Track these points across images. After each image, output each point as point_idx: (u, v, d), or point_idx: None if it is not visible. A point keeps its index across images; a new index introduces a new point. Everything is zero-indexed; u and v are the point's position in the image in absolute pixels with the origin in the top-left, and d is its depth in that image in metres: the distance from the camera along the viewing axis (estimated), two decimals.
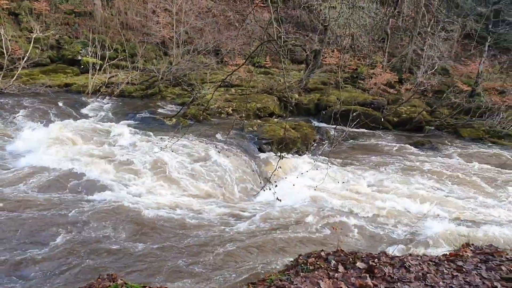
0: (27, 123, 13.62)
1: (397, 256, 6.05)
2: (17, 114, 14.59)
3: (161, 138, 10.12)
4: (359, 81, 22.23)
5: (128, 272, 6.76)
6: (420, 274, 5.53)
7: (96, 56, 19.28)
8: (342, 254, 6.01)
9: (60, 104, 16.57)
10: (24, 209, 8.43)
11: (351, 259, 5.84)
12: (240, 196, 10.82)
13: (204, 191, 10.32)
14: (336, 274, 5.45)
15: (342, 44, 20.80)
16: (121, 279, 5.00)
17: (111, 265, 6.88)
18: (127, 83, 18.92)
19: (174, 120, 15.74)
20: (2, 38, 18.02)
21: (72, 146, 11.54)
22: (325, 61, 21.77)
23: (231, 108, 17.32)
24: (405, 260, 5.91)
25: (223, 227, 8.76)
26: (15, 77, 17.40)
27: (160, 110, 17.21)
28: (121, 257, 7.19)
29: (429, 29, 22.89)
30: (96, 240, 7.66)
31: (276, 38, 6.91)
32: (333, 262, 5.76)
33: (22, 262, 6.82)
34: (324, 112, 18.58)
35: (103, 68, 19.13)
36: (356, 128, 17.02)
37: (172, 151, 9.64)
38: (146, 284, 4.85)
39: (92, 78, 18.41)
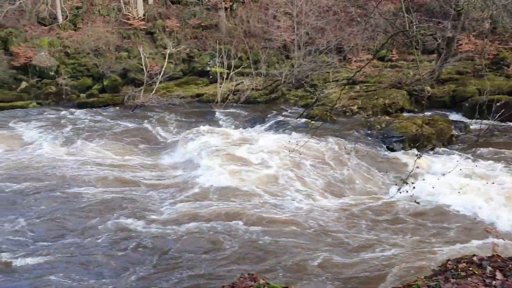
0: (168, 133, 15.07)
1: None
2: (157, 125, 15.96)
3: (288, 141, 10.17)
4: (504, 67, 19.87)
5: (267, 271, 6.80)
6: None
7: (223, 66, 20.14)
8: (498, 260, 5.30)
9: (193, 113, 17.67)
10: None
11: (511, 266, 5.14)
12: (373, 198, 10.32)
13: (334, 192, 10.08)
14: (494, 282, 4.81)
15: (480, 28, 18.87)
16: (263, 279, 4.96)
17: (251, 264, 7.00)
18: (252, 89, 19.43)
19: (298, 122, 15.70)
20: (142, 56, 19.79)
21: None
22: (460, 48, 19.97)
23: (356, 106, 16.77)
24: None
25: (356, 229, 8.40)
26: (153, 91, 18.98)
27: (284, 113, 17.34)
28: (261, 257, 7.28)
29: None
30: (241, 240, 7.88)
31: (408, 29, 6.42)
32: (489, 268, 5.10)
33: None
34: (467, 104, 16.91)
35: (229, 77, 19.90)
36: (502, 121, 15.22)
37: (300, 154, 9.57)
38: (288, 285, 4.73)
39: (220, 87, 19.26)
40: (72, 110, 18.12)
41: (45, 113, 17.55)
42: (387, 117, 15.66)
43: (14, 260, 7.27)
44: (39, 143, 13.62)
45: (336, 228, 8.48)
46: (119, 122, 16.25)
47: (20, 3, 23.82)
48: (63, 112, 17.62)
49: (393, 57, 21.40)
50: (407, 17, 6.07)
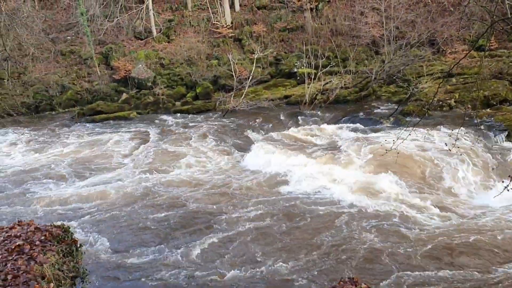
0: (258, 136, 15.52)
1: None
2: (249, 128, 16.57)
3: (385, 140, 9.98)
4: None
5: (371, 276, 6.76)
6: None
7: (310, 66, 20.14)
8: None
9: (281, 115, 17.92)
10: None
11: None
12: (479, 196, 9.81)
13: (441, 190, 9.76)
14: None
15: None
16: (364, 283, 4.97)
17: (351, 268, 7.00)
18: (341, 87, 19.21)
19: (391, 119, 15.27)
20: (231, 62, 20.46)
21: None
22: None
23: (453, 100, 15.97)
24: None
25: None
26: (243, 95, 19.53)
27: (376, 111, 16.93)
28: (364, 260, 7.25)
29: None
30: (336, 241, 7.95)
31: (509, 15, 6.07)
32: None
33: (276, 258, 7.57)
34: None
35: (317, 77, 19.87)
36: None
37: (398, 153, 9.35)
38: None
39: (308, 87, 19.29)
40: (184, 116, 19.15)
41: (160, 121, 18.71)
42: (488, 110, 14.78)
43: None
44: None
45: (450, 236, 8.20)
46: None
47: (118, 20, 25.72)
48: (177, 120, 18.66)
49: (491, 45, 20.03)
50: (508, 3, 5.78)
